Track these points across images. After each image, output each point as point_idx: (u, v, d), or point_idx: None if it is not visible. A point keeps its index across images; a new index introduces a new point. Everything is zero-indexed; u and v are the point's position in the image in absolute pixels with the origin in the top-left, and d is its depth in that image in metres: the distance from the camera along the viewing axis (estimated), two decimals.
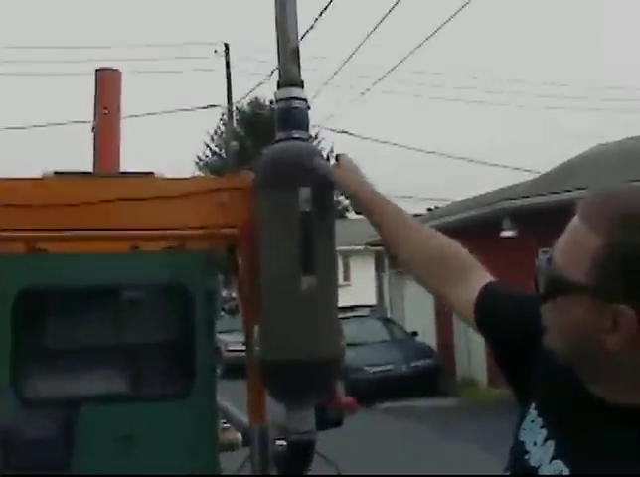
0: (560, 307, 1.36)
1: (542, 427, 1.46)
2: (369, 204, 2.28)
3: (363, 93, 37.93)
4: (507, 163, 61.30)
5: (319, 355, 2.77)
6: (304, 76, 3.01)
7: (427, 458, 12.55)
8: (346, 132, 27.66)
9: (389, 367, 18.78)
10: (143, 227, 3.23)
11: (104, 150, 4.21)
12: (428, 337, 21.25)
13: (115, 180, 3.71)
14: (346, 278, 34.29)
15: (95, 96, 4.30)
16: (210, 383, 3.26)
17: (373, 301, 29.65)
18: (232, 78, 28.58)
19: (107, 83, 4.28)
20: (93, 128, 4.28)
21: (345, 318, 19.91)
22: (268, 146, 2.95)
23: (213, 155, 45.32)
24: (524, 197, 16.34)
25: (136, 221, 3.26)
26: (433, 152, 40.76)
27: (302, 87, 2.99)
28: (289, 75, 2.96)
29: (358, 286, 32.91)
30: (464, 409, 17.11)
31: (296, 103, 2.94)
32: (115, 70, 4.41)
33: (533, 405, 1.51)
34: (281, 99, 2.95)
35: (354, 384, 16.38)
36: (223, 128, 40.88)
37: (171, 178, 3.46)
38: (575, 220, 1.34)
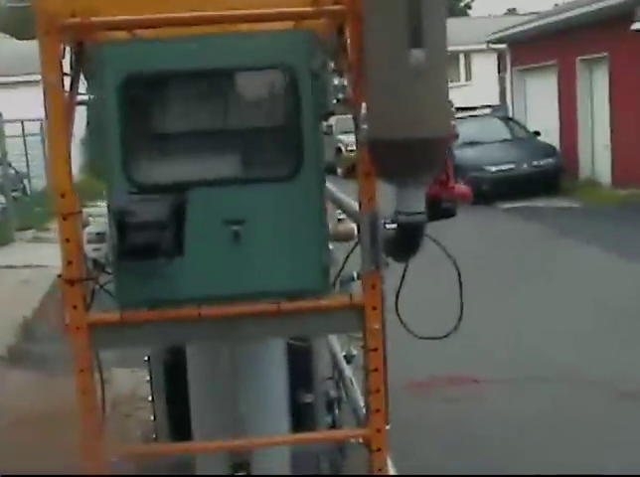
0: None
1: None
2: None
3: None
4: None
5: (427, 133, 2.65)
6: None
7: (550, 256, 12.53)
8: None
9: (510, 166, 18.51)
10: (245, 7, 3.11)
11: None
12: (551, 137, 20.72)
13: None
14: (468, 78, 33.45)
15: None
16: (317, 167, 3.20)
17: (495, 101, 28.96)
18: None
19: None
20: None
21: (466, 117, 19.55)
22: None
23: None
24: None
25: (238, 1, 3.15)
26: None
27: None
28: None
29: (480, 86, 32.13)
30: (586, 210, 16.85)
31: None
32: None
33: None
34: None
35: (474, 182, 16.25)
36: None
37: None
38: None
